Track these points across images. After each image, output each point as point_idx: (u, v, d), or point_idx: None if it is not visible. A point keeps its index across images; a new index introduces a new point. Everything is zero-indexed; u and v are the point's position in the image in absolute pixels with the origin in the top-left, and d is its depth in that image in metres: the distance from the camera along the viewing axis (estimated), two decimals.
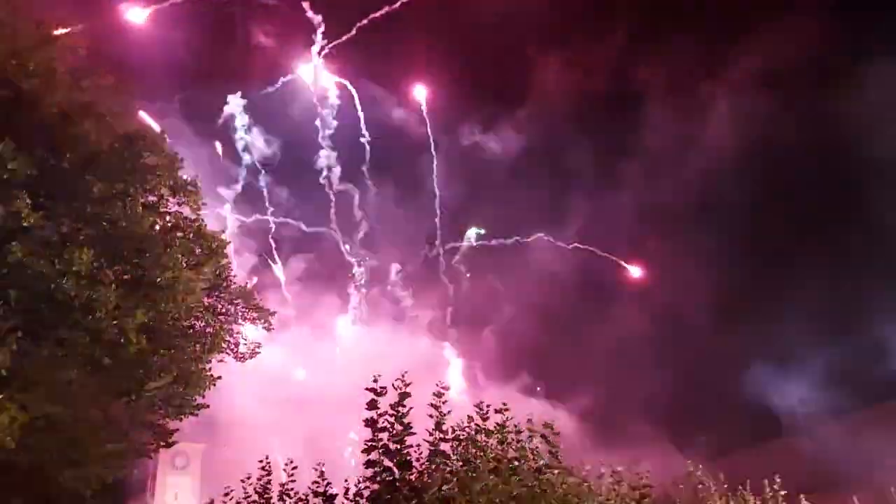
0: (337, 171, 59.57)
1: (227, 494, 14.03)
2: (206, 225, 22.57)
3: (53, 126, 18.96)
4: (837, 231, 49.60)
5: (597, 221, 62.20)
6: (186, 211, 22.22)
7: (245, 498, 13.57)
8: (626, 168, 62.63)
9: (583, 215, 62.08)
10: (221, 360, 23.83)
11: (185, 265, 20.44)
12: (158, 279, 19.58)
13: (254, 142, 58.37)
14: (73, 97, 19.85)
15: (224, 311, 23.99)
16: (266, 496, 13.41)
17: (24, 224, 17.52)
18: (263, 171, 58.55)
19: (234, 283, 24.27)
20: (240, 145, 58.27)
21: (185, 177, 21.83)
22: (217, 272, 22.90)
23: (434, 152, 60.59)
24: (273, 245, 58.74)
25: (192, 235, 21.75)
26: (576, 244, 59.52)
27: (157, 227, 20.75)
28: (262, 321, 24.86)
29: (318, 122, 58.75)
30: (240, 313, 24.46)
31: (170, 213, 21.98)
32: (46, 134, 18.75)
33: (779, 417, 48.15)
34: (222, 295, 23.93)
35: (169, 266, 19.73)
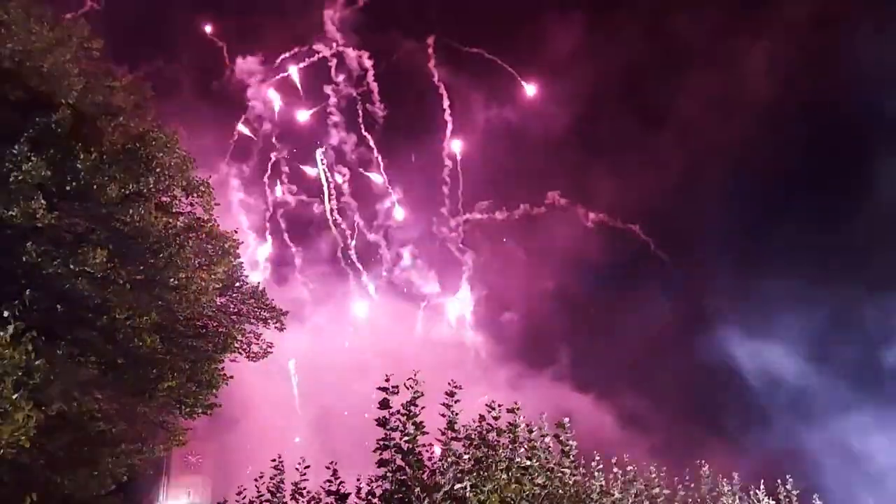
0: (351, 143, 58.37)
1: (240, 493, 14.11)
2: (218, 225, 22.72)
3: (68, 127, 19.10)
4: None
5: (623, 192, 59.86)
6: (199, 211, 22.37)
7: (258, 497, 13.64)
8: (650, 138, 60.15)
9: (609, 185, 59.79)
10: (234, 360, 23.95)
11: (197, 265, 20.56)
12: (171, 279, 19.71)
13: (268, 113, 57.27)
14: (88, 98, 20.00)
15: (236, 310, 24.11)
16: (279, 495, 13.48)
17: (39, 224, 17.69)
18: (277, 144, 57.33)
19: (247, 282, 24.39)
20: (254, 114, 57.05)
21: (197, 177, 22.01)
22: (229, 272, 23.00)
23: (449, 120, 59.15)
24: (284, 225, 57.71)
25: (204, 236, 21.89)
26: (592, 214, 57.67)
27: (170, 228, 20.87)
28: (275, 321, 24.94)
29: (331, 92, 57.56)
30: (252, 313, 24.56)
31: (182, 214, 22.16)
32: (61, 135, 18.89)
33: (808, 414, 47.21)
34: (234, 295, 24.05)
35: (182, 266, 19.86)
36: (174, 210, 21.97)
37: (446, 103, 58.86)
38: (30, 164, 17.55)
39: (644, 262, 59.40)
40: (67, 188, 18.68)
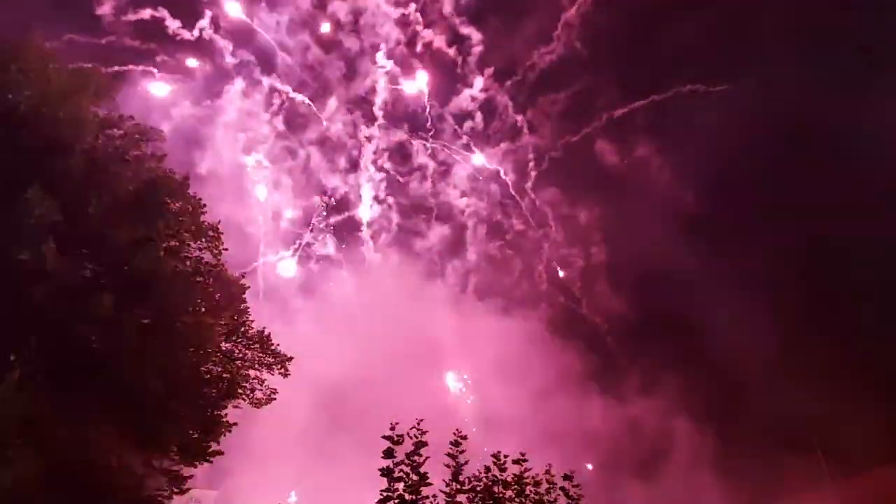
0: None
1: None
2: (225, 269, 22.76)
3: (81, 172, 19.31)
4: None
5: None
6: (207, 256, 22.48)
7: None
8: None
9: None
10: (237, 406, 23.70)
11: (204, 310, 20.53)
12: (178, 324, 19.66)
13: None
14: (101, 144, 20.27)
15: (241, 356, 23.93)
16: None
17: (48, 269, 17.72)
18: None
19: (252, 328, 24.24)
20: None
21: (206, 222, 22.18)
22: (235, 317, 22.94)
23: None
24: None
25: (211, 281, 21.92)
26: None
27: (178, 273, 20.90)
28: (279, 367, 24.72)
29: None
30: (256, 358, 24.36)
31: (190, 258, 22.23)
32: (74, 180, 19.09)
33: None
34: (240, 340, 23.90)
35: (189, 311, 19.84)
36: (182, 254, 22.06)
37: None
38: (43, 207, 17.72)
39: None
40: (79, 232, 18.81)
